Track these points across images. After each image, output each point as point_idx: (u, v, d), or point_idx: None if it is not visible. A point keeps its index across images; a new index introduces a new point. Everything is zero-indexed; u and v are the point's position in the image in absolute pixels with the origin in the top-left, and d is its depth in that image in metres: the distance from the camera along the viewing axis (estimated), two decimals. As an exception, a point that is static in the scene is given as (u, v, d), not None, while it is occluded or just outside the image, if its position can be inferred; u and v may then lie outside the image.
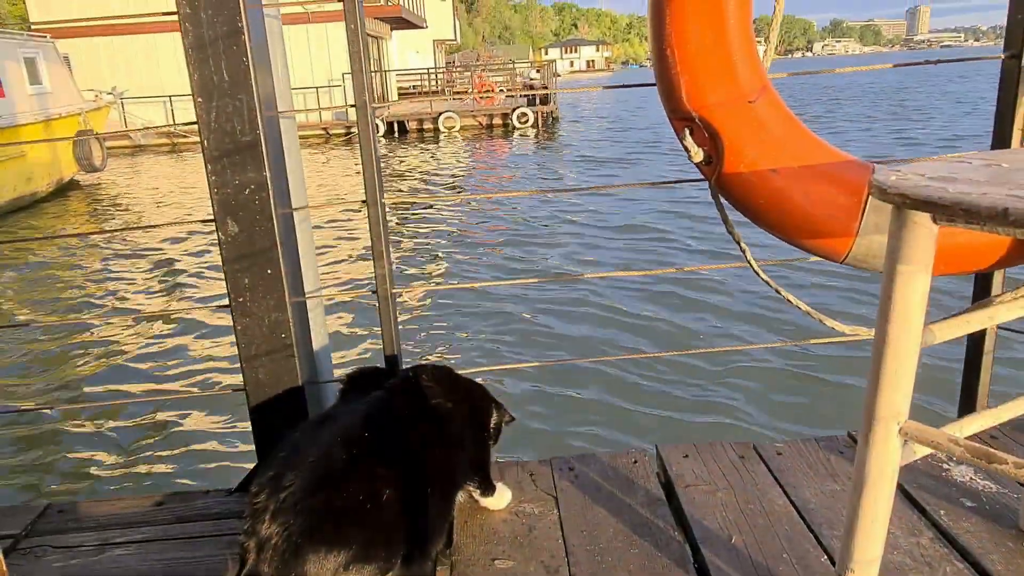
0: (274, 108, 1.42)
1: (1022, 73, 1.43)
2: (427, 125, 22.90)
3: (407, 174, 13.37)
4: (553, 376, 3.93)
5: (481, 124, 23.23)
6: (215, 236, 1.39)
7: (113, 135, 21.42)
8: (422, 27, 33.15)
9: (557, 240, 6.68)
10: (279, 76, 1.44)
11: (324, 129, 22.77)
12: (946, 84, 34.46)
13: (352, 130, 20.57)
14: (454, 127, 22.56)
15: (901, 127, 16.69)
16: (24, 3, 23.65)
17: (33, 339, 4.99)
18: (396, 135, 22.63)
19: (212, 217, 1.39)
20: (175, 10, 1.30)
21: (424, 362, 1.42)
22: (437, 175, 13.00)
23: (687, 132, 1.30)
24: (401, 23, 29.11)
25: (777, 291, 1.40)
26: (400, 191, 11.32)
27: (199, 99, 1.30)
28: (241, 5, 1.27)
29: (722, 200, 1.36)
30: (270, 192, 1.36)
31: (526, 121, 22.46)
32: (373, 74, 26.18)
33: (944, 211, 0.77)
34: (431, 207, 9.64)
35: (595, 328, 4.66)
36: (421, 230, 7.20)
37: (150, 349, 4.82)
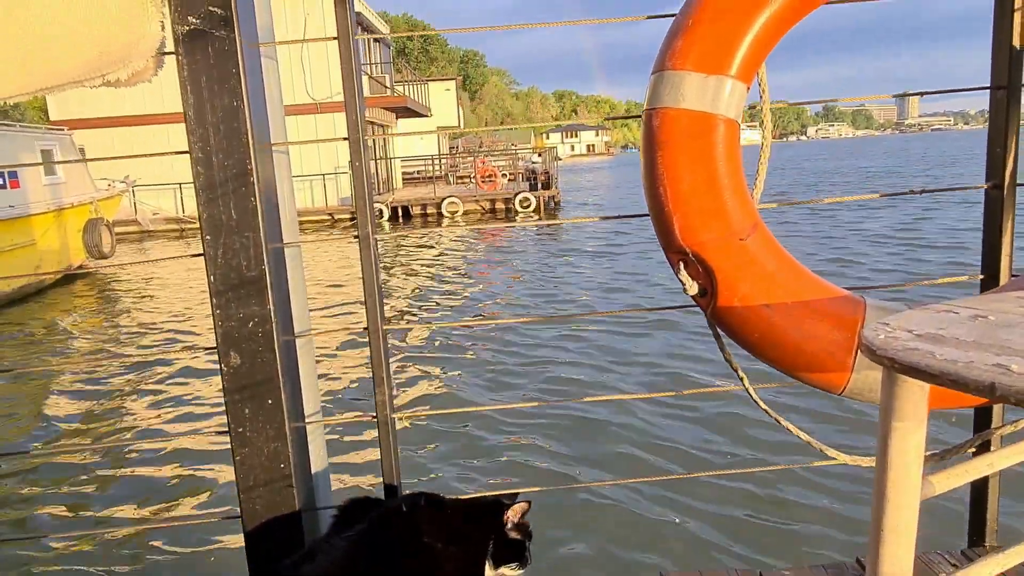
0: (279, 240, 1.46)
1: (1005, 203, 1.48)
2: (430, 210, 23.32)
3: (409, 263, 13.52)
4: (556, 494, 3.87)
5: (484, 209, 23.65)
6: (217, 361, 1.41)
7: (123, 223, 21.81)
8: (426, 115, 34.21)
9: (560, 358, 6.56)
10: (286, 209, 1.49)
11: (329, 215, 23.20)
12: (934, 170, 35.16)
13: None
14: (457, 212, 22.96)
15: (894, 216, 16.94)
16: (45, 98, 24.57)
17: (18, 461, 4.85)
18: (400, 220, 23.01)
19: (215, 347, 1.41)
20: (187, 150, 1.36)
21: (423, 490, 1.40)
22: (437, 267, 13.13)
23: (682, 266, 1.34)
24: (406, 112, 30.06)
25: (776, 420, 1.40)
26: (400, 289, 11.41)
27: (207, 236, 1.34)
28: (251, 147, 1.33)
29: (719, 330, 1.38)
30: (273, 323, 1.38)
31: (528, 206, 22.88)
32: (379, 161, 26.88)
33: (932, 379, 0.78)
34: (433, 304, 9.71)
35: (599, 447, 4.62)
36: (424, 352, 7.16)
37: (142, 470, 4.72)
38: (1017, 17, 1.41)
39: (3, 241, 11.45)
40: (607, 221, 19.79)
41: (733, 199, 1.28)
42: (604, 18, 1.51)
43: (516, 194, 23.11)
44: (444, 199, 23.09)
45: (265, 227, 1.36)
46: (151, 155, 1.65)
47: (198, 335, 8.34)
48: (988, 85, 1.47)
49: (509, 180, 26.81)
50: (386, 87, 27.80)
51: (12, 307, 11.49)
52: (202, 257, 1.38)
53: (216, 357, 1.40)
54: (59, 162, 13.76)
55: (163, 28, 1.31)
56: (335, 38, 1.43)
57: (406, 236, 18.15)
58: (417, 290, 10.99)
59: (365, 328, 1.50)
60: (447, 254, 15.21)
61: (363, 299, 1.50)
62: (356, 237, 1.47)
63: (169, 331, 8.87)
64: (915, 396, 0.87)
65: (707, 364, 5.82)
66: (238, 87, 1.29)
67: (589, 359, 6.51)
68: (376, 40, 29.15)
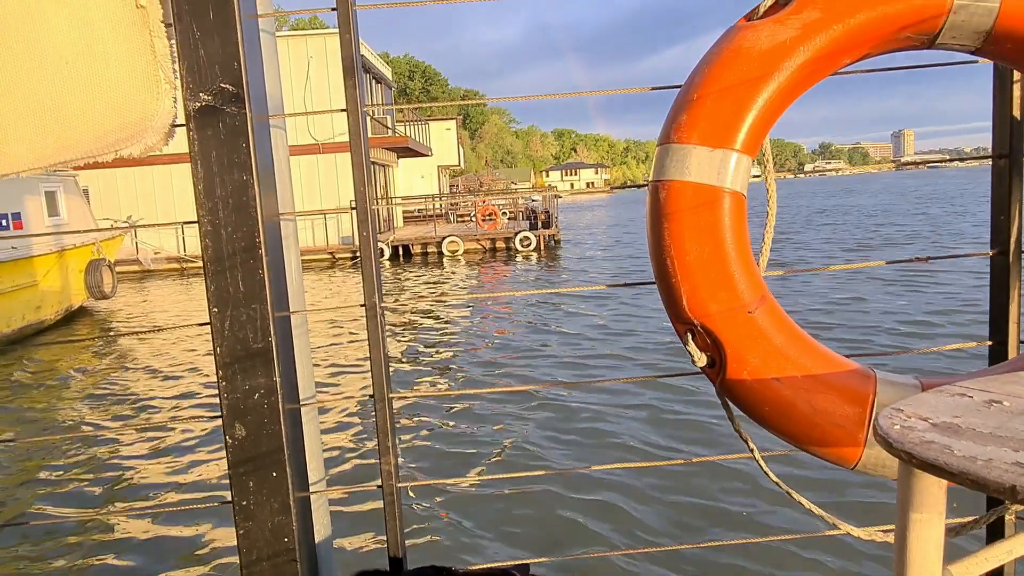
0: (286, 308, 1.46)
1: (1011, 270, 1.48)
2: (431, 249, 23.43)
3: (407, 308, 13.49)
4: (566, 564, 3.81)
5: (484, 248, 23.76)
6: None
7: (124, 262, 21.87)
8: (427, 155, 34.58)
9: (565, 426, 6.43)
10: (293, 278, 1.49)
11: (331, 254, 23.29)
12: (932, 207, 35.35)
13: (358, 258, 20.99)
14: (457, 251, 23.07)
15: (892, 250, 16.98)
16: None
17: (18, 538, 4.71)
18: (401, 259, 23.09)
19: (220, 416, 1.40)
20: (195, 219, 1.37)
21: (432, 563, 1.38)
22: (437, 313, 13.10)
23: (689, 337, 1.33)
24: (407, 152, 30.39)
25: (788, 493, 1.38)
26: (400, 336, 11.37)
27: (214, 308, 1.34)
28: (259, 219, 1.34)
29: (728, 401, 1.37)
30: (279, 395, 1.37)
31: (528, 245, 22.98)
32: (380, 200, 27.07)
33: (951, 477, 0.77)
34: (434, 354, 9.66)
35: (607, 513, 4.55)
36: (431, 418, 7.05)
37: (136, 532, 4.61)
38: (1016, 89, 1.43)
39: (5, 283, 11.48)
40: (609, 260, 19.84)
41: (740, 271, 1.29)
42: (609, 89, 1.53)
43: (516, 233, 23.24)
44: (444, 238, 23.21)
45: (272, 298, 1.36)
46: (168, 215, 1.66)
47: (199, 397, 8.21)
48: (990, 154, 1.49)
49: (509, 219, 26.99)
50: (387, 127, 28.14)
51: (14, 348, 11.46)
52: (208, 327, 1.38)
53: (221, 427, 1.39)
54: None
55: (176, 103, 1.33)
56: (343, 110, 1.45)
57: (405, 272, 18.16)
58: (417, 341, 10.95)
59: (371, 396, 1.49)
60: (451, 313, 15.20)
61: (369, 367, 1.50)
62: (363, 305, 1.47)
63: (170, 393, 8.78)
64: (933, 488, 0.86)
65: (713, 431, 5.70)
66: (248, 162, 1.30)
67: (595, 421, 6.37)
68: (378, 82, 29.62)
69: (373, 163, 26.65)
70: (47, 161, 1.32)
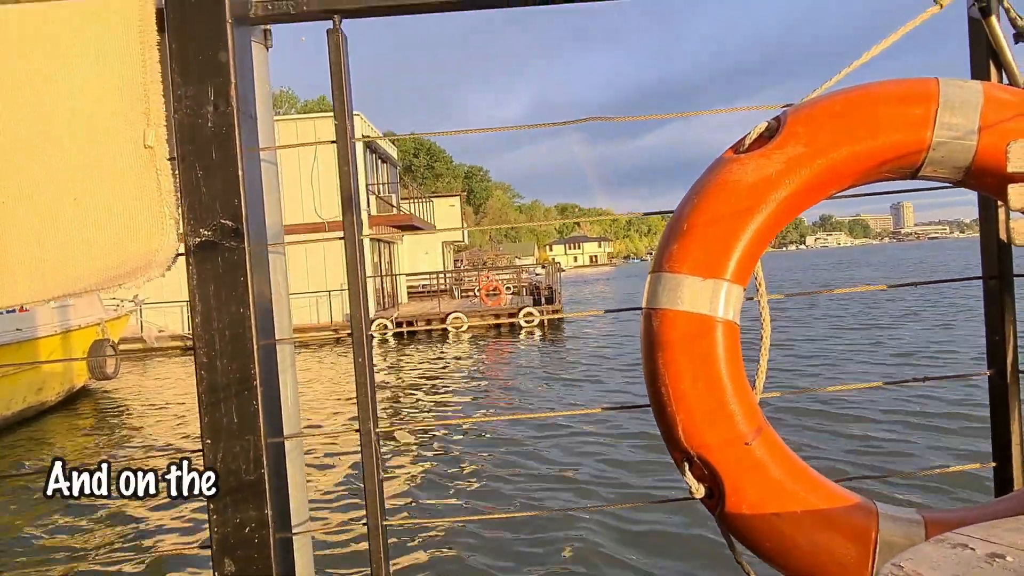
0: (281, 435, 1.45)
1: (1009, 392, 1.47)
2: (435, 325, 23.44)
3: (408, 388, 13.38)
4: None
5: (488, 324, 23.76)
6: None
7: (128, 340, 21.91)
8: (431, 231, 35.03)
9: (569, 537, 6.04)
10: (288, 403, 1.49)
11: (334, 330, 23.31)
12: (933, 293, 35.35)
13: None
14: (461, 327, 23.07)
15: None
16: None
17: None
18: (405, 335, 23.08)
19: (209, 547, 1.37)
20: (191, 347, 1.38)
21: None
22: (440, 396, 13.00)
23: (686, 466, 1.32)
24: (411, 228, 30.82)
25: (793, 629, 1.33)
26: (398, 417, 11.27)
27: (207, 440, 1.33)
28: (255, 349, 1.34)
29: (729, 533, 1.34)
30: (270, 528, 1.35)
31: (532, 321, 22.99)
32: (384, 277, 27.30)
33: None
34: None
35: None
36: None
37: None
38: (1001, 214, 1.46)
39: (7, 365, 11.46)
40: (612, 346, 19.78)
41: (736, 402, 1.28)
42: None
43: (520, 309, 23.29)
44: (449, 314, 23.26)
45: (266, 427, 1.35)
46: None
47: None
48: (981, 275, 1.50)
49: (513, 294, 27.11)
50: (392, 205, 28.64)
51: (15, 430, 11.34)
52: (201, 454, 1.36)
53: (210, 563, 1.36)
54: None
55: (178, 237, 1.36)
56: (341, 237, 1.48)
57: (407, 352, 18.06)
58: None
59: (364, 523, 1.47)
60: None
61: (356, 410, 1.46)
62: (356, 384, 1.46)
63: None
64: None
65: (716, 556, 5.26)
66: (245, 295, 1.32)
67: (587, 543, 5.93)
68: (383, 161, 30.32)
69: (378, 240, 27.00)
70: (49, 295, 1.34)
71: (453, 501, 5.96)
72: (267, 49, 1.53)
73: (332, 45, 1.43)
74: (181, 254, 1.39)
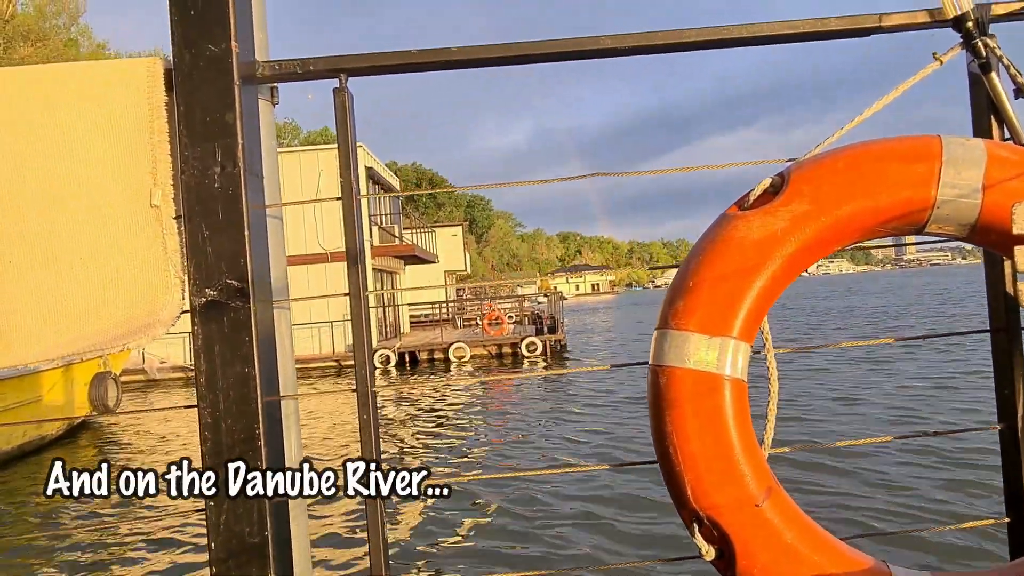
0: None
1: (1021, 445, 1.46)
2: (437, 355, 23.39)
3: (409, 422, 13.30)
4: None
5: (491, 353, 23.71)
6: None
7: (130, 372, 21.87)
8: (434, 262, 35.16)
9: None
10: (292, 461, 1.47)
11: (336, 361, 23.26)
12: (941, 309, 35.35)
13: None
14: (464, 357, 23.01)
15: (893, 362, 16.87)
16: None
17: None
18: (407, 366, 23.03)
19: (212, 611, 1.35)
20: (195, 404, 1.37)
21: None
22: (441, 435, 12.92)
23: (696, 527, 1.30)
24: (414, 259, 30.93)
25: None
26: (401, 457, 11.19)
27: (211, 503, 1.32)
28: (259, 409, 1.33)
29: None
30: (274, 590, 1.33)
31: (535, 350, 22.94)
32: (386, 307, 27.31)
33: None
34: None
35: None
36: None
37: None
38: (1007, 267, 1.45)
39: (8, 399, 11.44)
40: (615, 372, 19.69)
41: (745, 462, 1.27)
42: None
43: (523, 338, 23.25)
44: (451, 344, 23.21)
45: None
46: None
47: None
48: (987, 328, 1.50)
49: (515, 323, 27.08)
50: (395, 236, 28.75)
51: (15, 464, 11.27)
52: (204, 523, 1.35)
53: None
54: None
55: (183, 296, 1.36)
56: (346, 294, 1.48)
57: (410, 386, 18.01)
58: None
59: (364, 502, 1.44)
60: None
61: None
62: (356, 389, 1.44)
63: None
64: None
65: None
66: (250, 354, 1.31)
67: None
68: (386, 191, 30.53)
69: (380, 271, 27.08)
70: (52, 355, 1.33)
71: (460, 559, 5.84)
72: (273, 106, 1.55)
73: (338, 104, 1.44)
74: (186, 311, 1.39)
